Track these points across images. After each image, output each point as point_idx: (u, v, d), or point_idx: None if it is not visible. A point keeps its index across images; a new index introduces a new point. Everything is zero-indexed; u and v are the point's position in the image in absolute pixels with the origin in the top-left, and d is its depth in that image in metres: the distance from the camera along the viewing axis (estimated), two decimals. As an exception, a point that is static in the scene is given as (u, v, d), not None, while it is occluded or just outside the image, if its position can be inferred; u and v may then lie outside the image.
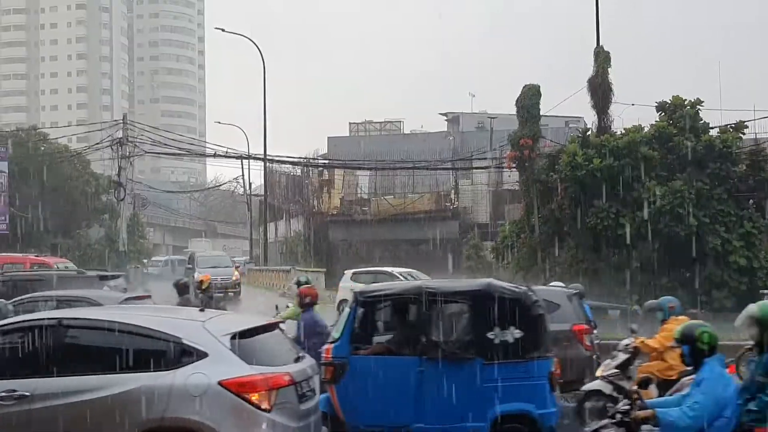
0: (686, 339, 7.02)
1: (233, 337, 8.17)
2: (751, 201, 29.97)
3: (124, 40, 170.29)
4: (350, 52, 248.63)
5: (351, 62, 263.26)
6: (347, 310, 10.54)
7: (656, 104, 31.13)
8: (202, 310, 9.37)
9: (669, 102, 30.72)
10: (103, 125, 48.96)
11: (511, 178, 40.39)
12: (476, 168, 47.43)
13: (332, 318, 14.34)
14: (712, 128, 30.38)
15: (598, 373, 11.91)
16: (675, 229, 28.45)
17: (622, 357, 11.65)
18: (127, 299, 14.30)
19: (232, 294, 38.56)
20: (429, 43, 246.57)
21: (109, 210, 50.58)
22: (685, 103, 30.45)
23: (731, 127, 30.63)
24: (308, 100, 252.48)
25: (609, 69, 31.45)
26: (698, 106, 30.35)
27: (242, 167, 67.07)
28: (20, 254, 34.20)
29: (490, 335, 9.85)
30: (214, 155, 47.53)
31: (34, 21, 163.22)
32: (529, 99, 32.08)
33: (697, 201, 28.62)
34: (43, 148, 50.61)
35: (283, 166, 54.45)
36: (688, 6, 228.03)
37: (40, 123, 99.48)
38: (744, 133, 30.77)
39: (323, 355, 10.33)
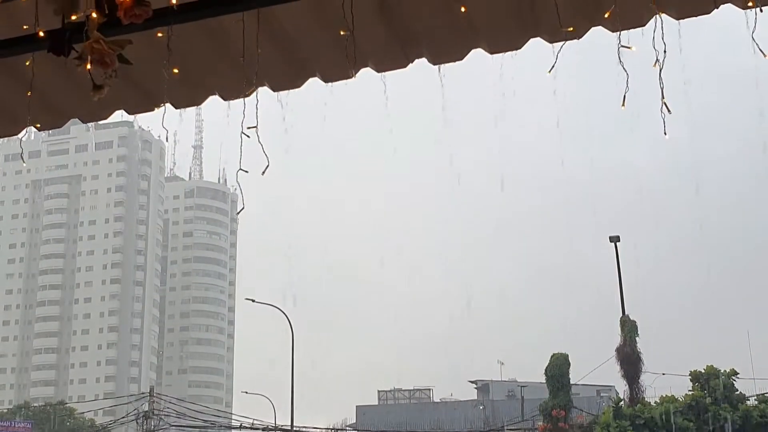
0: None
1: None
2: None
3: (155, 311, 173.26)
4: (379, 318, 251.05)
5: (379, 327, 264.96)
6: None
7: (690, 374, 30.80)
8: None
9: (703, 371, 30.46)
10: (130, 398, 48.70)
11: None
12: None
13: None
14: (748, 398, 29.89)
15: None
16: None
17: None
18: None
19: None
20: (455, 310, 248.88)
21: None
22: (720, 373, 30.14)
23: (768, 397, 30.03)
24: (337, 367, 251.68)
25: (636, 338, 31.44)
26: (732, 378, 30.02)
27: (269, 439, 65.69)
28: None
29: None
30: (240, 427, 46.74)
31: (69, 296, 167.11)
32: (558, 368, 31.89)
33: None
34: (69, 423, 50.08)
35: (311, 437, 53.31)
36: (711, 279, 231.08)
37: (67, 397, 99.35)
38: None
39: None
